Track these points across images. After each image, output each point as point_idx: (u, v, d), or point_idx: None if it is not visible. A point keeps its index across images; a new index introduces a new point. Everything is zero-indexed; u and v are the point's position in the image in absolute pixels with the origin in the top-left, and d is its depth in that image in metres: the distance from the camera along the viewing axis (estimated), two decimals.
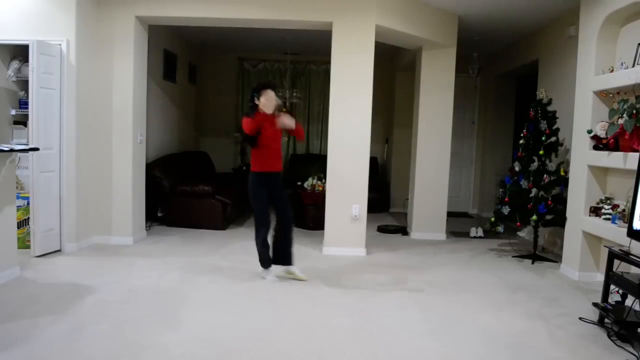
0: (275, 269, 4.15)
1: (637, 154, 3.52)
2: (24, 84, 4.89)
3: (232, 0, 4.94)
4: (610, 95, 4.15)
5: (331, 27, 5.00)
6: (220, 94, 8.64)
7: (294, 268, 4.15)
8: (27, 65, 4.53)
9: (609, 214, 4.00)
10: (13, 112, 4.97)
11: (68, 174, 4.74)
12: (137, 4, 4.97)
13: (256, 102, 3.90)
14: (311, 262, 4.72)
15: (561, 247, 4.86)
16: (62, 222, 4.73)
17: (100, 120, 5.06)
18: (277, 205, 4.06)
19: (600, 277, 4.07)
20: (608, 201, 4.13)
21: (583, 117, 4.42)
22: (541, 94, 5.09)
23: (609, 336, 3.10)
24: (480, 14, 5.63)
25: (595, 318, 3.37)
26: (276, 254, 4.12)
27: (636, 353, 2.85)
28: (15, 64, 4.91)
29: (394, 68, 8.21)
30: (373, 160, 7.19)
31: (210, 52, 8.47)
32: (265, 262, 4.10)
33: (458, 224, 6.96)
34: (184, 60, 7.63)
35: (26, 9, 4.61)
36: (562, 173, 4.88)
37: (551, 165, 4.96)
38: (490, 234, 5.98)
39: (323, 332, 3.06)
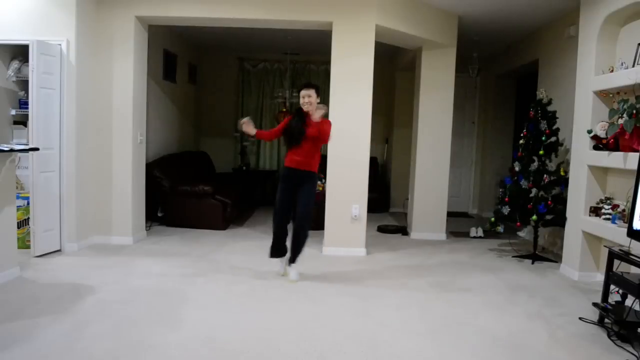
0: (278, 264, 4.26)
1: (637, 154, 3.52)
2: (24, 84, 4.89)
3: (232, 0, 4.94)
4: (610, 95, 4.15)
5: (331, 27, 5.00)
6: (220, 94, 8.64)
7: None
8: (27, 65, 4.53)
9: (609, 214, 4.00)
10: (13, 112, 4.97)
11: (68, 174, 4.74)
12: (137, 4, 4.97)
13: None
14: (311, 262, 4.72)
15: (561, 247, 4.86)
16: (62, 222, 4.73)
17: (100, 120, 5.06)
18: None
19: (600, 277, 4.07)
20: (608, 201, 4.13)
21: (583, 117, 4.42)
22: (541, 94, 5.09)
23: (609, 336, 3.10)
24: (480, 14, 5.63)
25: (595, 318, 3.37)
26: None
27: (636, 353, 2.85)
28: (15, 64, 4.91)
29: (394, 68, 8.21)
30: (373, 160, 7.19)
31: (210, 52, 8.47)
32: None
33: (458, 224, 6.96)
34: (184, 60, 7.62)
35: (26, 9, 4.61)
36: (562, 173, 4.88)
37: (551, 165, 4.96)
38: (490, 234, 5.98)
39: (323, 332, 3.06)
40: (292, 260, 4.15)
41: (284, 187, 4.09)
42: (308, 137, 3.97)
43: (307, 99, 3.97)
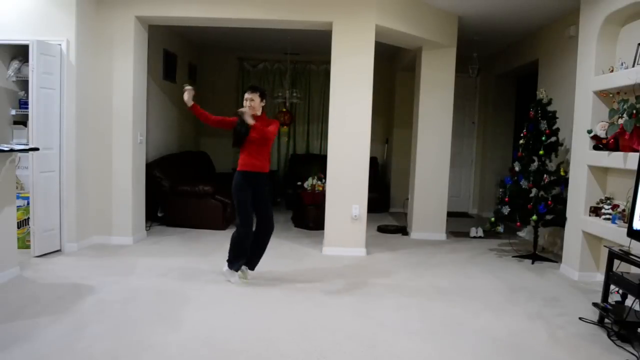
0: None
1: (637, 154, 3.52)
2: (24, 84, 4.89)
3: (232, 0, 4.94)
4: (610, 95, 4.15)
5: (331, 27, 5.00)
6: (220, 93, 8.64)
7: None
8: (27, 65, 4.53)
9: (609, 214, 4.00)
10: (13, 112, 4.97)
11: (68, 174, 4.74)
12: (137, 4, 4.97)
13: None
14: (311, 262, 4.72)
15: (561, 247, 4.86)
16: (62, 222, 4.73)
17: (100, 120, 5.06)
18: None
19: (600, 277, 4.07)
20: (608, 201, 4.13)
21: (583, 117, 4.42)
22: (541, 94, 5.09)
23: (609, 336, 3.10)
24: (480, 14, 5.63)
25: (595, 318, 3.37)
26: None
27: (636, 353, 2.85)
28: (15, 64, 4.91)
29: (394, 68, 8.21)
30: (373, 160, 7.19)
31: (210, 52, 8.47)
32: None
33: (458, 224, 6.96)
34: (184, 60, 7.62)
35: (26, 9, 4.61)
36: (562, 173, 4.88)
37: (551, 165, 4.96)
38: (490, 234, 5.98)
39: (323, 332, 3.06)
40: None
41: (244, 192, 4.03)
42: (251, 139, 3.94)
43: (249, 102, 3.95)
